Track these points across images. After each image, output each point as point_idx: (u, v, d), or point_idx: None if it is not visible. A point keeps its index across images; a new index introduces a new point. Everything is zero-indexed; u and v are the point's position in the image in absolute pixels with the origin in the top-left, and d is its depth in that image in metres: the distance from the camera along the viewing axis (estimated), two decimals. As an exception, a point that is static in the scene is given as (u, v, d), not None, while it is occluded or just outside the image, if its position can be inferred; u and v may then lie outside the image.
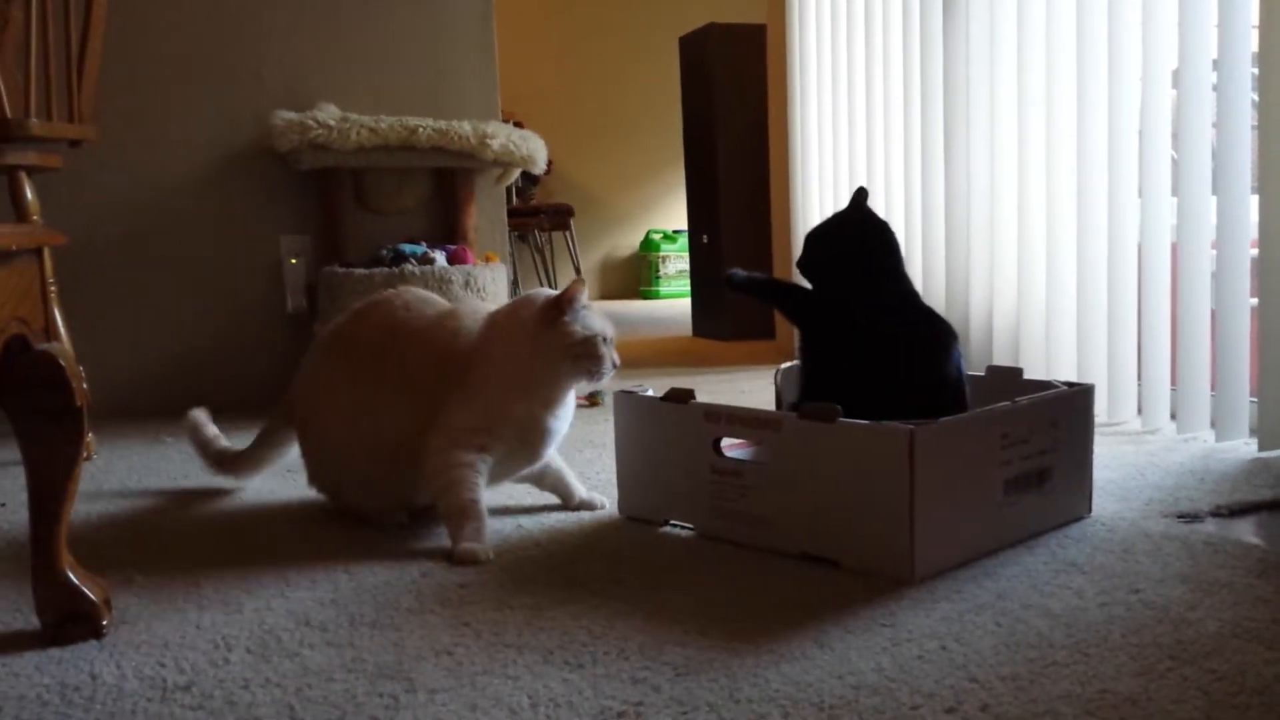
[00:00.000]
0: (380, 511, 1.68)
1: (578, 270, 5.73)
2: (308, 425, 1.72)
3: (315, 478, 1.74)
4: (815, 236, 1.72)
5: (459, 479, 1.53)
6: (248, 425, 2.59)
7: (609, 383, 1.67)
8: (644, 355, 3.90)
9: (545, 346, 1.56)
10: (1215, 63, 2.09)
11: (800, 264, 1.72)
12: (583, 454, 2.13)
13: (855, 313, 1.59)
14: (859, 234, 1.69)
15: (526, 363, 1.57)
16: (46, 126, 1.86)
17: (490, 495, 1.82)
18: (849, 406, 1.42)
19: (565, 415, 1.65)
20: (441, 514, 1.56)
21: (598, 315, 1.60)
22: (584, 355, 1.56)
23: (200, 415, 1.97)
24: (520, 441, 1.60)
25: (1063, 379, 1.70)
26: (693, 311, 4.81)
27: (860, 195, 1.73)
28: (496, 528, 1.65)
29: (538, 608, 1.29)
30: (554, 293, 1.59)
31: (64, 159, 2.10)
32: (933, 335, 1.58)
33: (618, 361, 1.61)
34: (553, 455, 1.72)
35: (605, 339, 1.58)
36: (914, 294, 1.66)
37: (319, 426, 1.70)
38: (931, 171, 2.95)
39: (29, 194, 2.05)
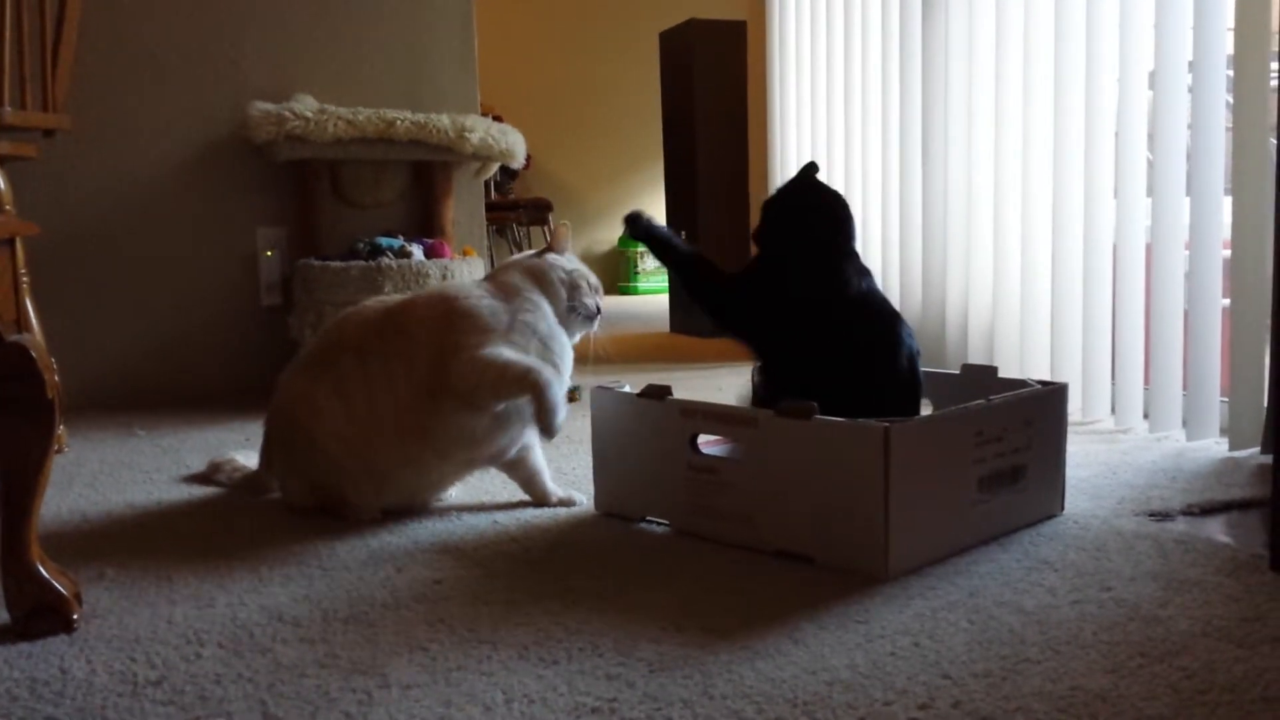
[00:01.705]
0: (360, 509, 1.67)
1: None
2: (303, 425, 1.64)
3: (301, 477, 1.70)
4: (766, 204, 1.69)
5: (506, 360, 1.57)
6: (223, 418, 2.58)
7: (588, 377, 1.68)
8: (621, 351, 3.90)
9: (542, 278, 1.71)
10: (1191, 65, 2.10)
11: (754, 234, 1.68)
12: (560, 449, 2.12)
13: (788, 291, 1.57)
14: (803, 205, 1.66)
15: (532, 290, 1.69)
16: (20, 115, 1.84)
17: (465, 490, 1.83)
18: (786, 387, 1.44)
19: (569, 357, 1.72)
20: (510, 391, 1.58)
21: (583, 266, 1.77)
22: (570, 286, 1.72)
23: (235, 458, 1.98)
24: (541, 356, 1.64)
25: (1037, 378, 1.70)
26: (670, 308, 4.81)
27: (809, 169, 1.68)
28: (471, 524, 1.64)
29: (513, 604, 1.29)
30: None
31: (38, 149, 2.08)
32: (873, 313, 1.57)
33: (601, 307, 1.75)
34: (534, 448, 1.74)
35: (590, 284, 1.74)
36: (858, 270, 1.60)
37: (318, 422, 1.63)
38: (909, 169, 2.96)
39: (1, 184, 2.03)
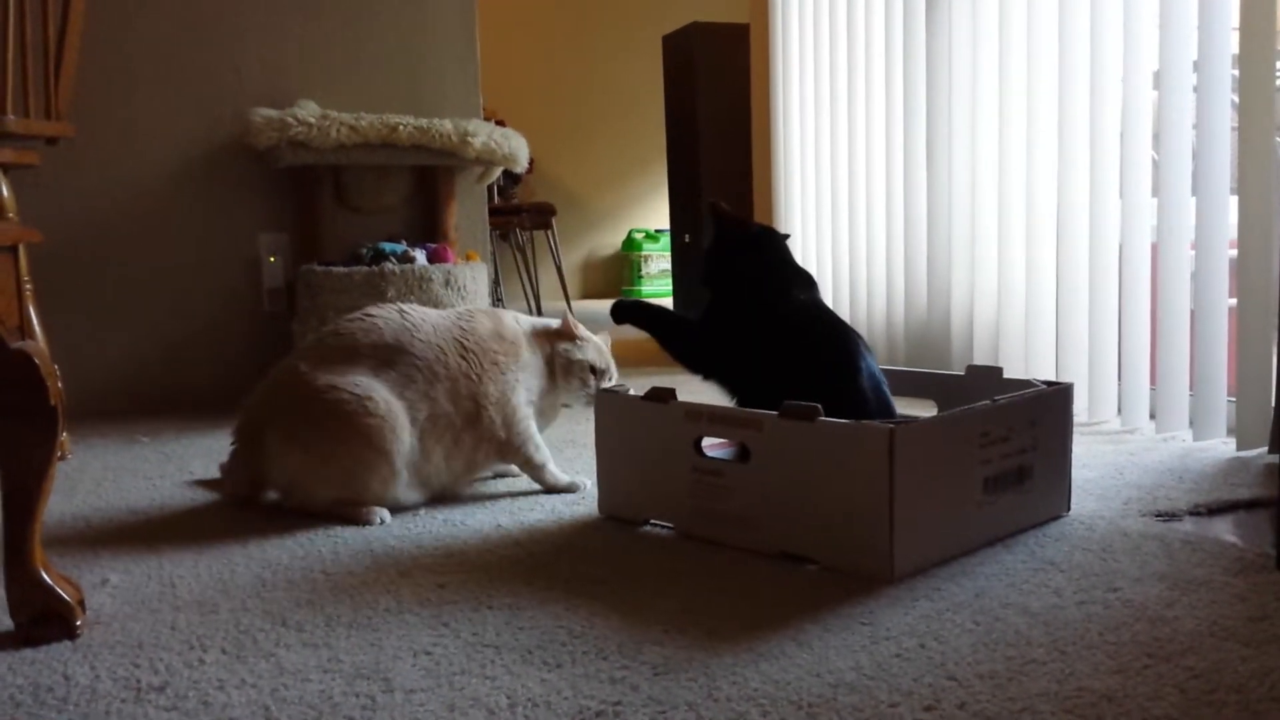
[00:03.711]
0: (380, 504, 1.71)
1: (559, 269, 5.72)
2: (346, 413, 1.66)
3: (311, 474, 1.70)
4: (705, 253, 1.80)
5: (537, 444, 1.86)
6: (226, 424, 2.58)
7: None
8: (625, 354, 3.88)
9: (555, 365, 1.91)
10: (1196, 64, 2.10)
11: (701, 281, 1.78)
12: (564, 452, 2.12)
13: (753, 331, 1.64)
14: (733, 245, 1.76)
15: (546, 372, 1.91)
16: (23, 123, 1.84)
17: (471, 496, 1.83)
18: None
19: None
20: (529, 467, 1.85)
21: (594, 348, 1.92)
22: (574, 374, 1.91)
23: None
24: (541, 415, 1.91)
25: (1042, 378, 1.70)
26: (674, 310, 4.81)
27: (712, 208, 1.83)
28: (475, 528, 1.64)
29: (516, 607, 1.29)
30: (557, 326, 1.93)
31: (41, 156, 2.08)
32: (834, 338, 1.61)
33: (595, 389, 1.83)
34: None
35: (594, 368, 1.90)
36: (800, 284, 1.69)
37: (369, 414, 1.66)
38: (913, 170, 2.96)
39: (4, 191, 2.03)
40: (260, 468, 1.75)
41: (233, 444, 1.80)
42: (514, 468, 1.90)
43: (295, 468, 1.71)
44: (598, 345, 1.93)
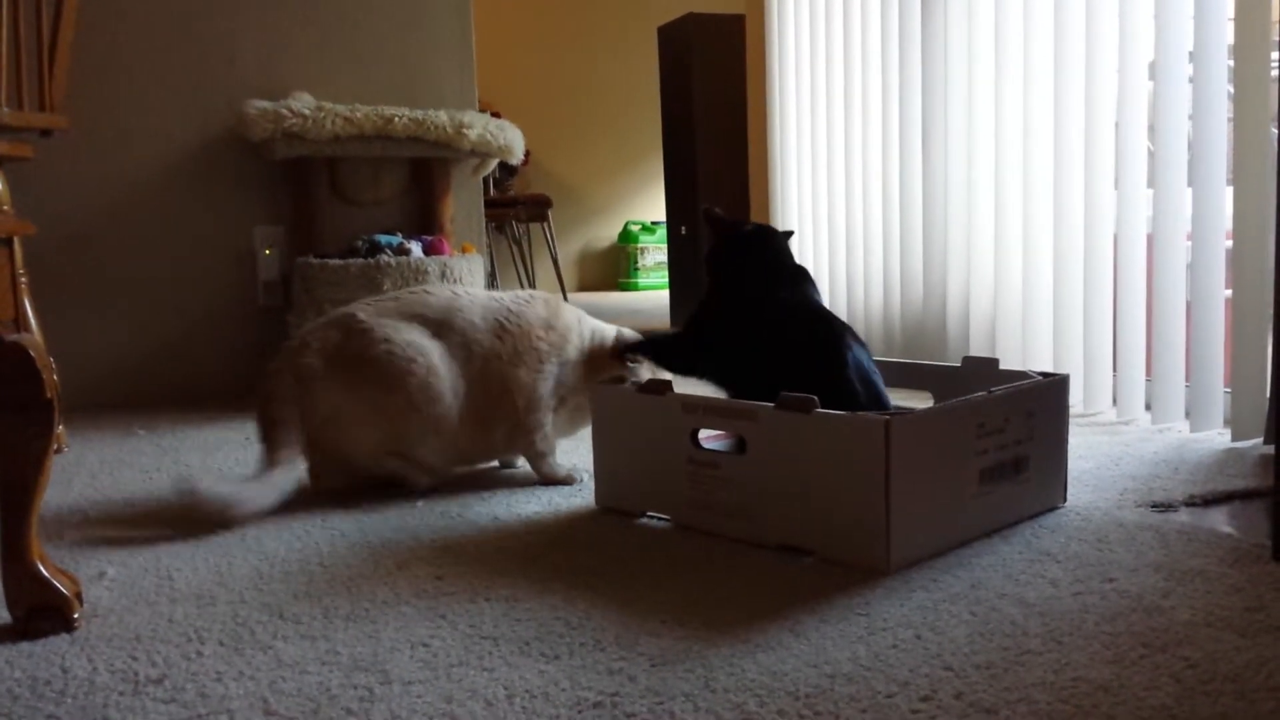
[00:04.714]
0: (419, 477, 1.79)
1: (555, 261, 5.72)
2: (400, 374, 1.72)
3: (362, 444, 1.75)
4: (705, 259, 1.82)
5: (547, 433, 1.87)
6: (222, 416, 2.58)
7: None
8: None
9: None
10: (1191, 55, 2.10)
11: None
12: (561, 445, 2.12)
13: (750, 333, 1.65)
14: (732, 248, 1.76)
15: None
16: (17, 116, 1.84)
17: (468, 488, 1.83)
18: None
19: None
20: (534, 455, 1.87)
21: (647, 367, 1.88)
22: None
23: None
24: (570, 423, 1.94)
25: (1038, 369, 1.70)
26: (671, 303, 4.81)
27: (707, 213, 1.83)
28: (472, 520, 1.64)
29: (514, 599, 1.29)
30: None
31: (35, 149, 2.08)
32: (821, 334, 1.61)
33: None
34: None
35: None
36: (791, 280, 1.70)
37: (417, 375, 1.72)
38: (909, 161, 2.95)
39: (-1, 183, 2.02)
40: (309, 409, 1.73)
41: (269, 390, 1.76)
42: (520, 461, 1.93)
43: (344, 415, 1.73)
44: (651, 365, 1.93)
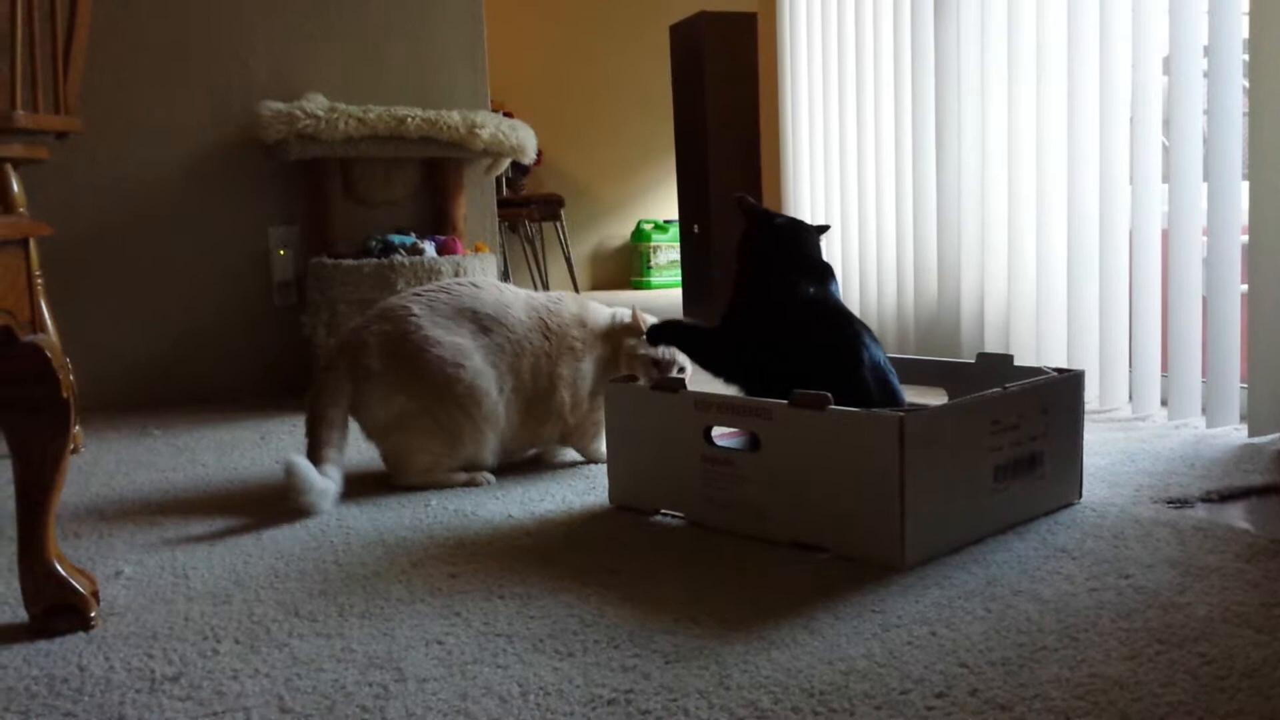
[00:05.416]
0: (475, 472, 1.84)
1: (568, 261, 5.72)
2: (451, 379, 1.78)
3: (414, 439, 1.80)
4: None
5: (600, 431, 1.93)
6: (237, 416, 2.59)
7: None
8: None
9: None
10: (1206, 49, 2.08)
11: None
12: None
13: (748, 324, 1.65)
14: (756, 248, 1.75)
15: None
16: (33, 118, 1.84)
17: (482, 486, 1.83)
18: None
19: None
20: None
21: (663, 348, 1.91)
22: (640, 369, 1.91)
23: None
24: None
25: (1053, 365, 1.70)
26: (684, 301, 4.80)
27: (739, 203, 1.81)
28: (486, 518, 1.65)
29: (528, 596, 1.29)
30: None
31: (50, 151, 2.09)
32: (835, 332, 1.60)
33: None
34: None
35: (659, 362, 1.89)
36: (813, 278, 1.69)
37: (465, 376, 1.78)
38: (923, 158, 2.95)
39: (15, 186, 2.04)
40: (357, 398, 1.79)
41: (325, 374, 1.81)
42: (557, 450, 2.01)
43: (396, 416, 1.79)
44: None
